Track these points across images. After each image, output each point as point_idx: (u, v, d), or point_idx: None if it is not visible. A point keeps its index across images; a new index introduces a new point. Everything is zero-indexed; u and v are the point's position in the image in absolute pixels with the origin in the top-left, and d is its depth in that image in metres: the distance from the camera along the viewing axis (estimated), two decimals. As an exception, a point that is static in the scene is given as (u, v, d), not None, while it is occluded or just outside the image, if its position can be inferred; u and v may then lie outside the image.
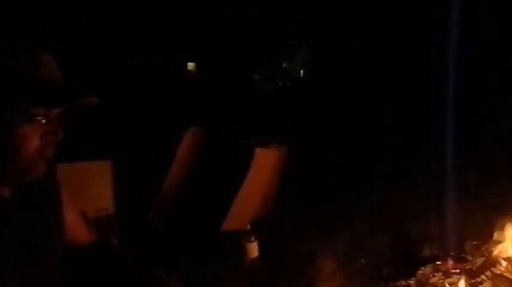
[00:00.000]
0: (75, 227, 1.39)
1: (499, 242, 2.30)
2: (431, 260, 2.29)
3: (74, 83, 1.14)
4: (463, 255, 2.31)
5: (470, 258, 2.29)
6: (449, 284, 2.12)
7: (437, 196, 2.93)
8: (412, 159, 3.91)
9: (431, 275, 2.19)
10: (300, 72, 9.26)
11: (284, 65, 9.29)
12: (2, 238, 1.12)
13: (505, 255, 2.23)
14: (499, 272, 2.15)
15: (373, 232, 2.61)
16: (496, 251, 2.25)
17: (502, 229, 2.34)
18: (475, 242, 2.39)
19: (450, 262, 2.26)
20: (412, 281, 2.15)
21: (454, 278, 2.14)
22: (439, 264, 2.25)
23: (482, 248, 2.32)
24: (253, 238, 2.41)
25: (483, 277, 2.13)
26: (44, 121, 1.10)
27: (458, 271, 2.19)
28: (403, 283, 2.14)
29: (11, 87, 1.06)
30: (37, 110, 1.08)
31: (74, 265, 1.34)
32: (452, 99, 3.67)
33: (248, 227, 2.49)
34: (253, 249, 2.41)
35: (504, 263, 2.19)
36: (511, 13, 4.47)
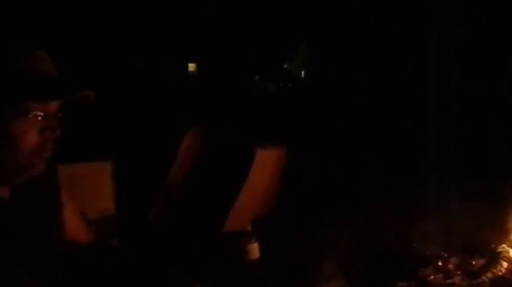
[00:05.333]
0: (76, 228, 1.39)
1: (502, 242, 2.29)
2: (432, 260, 2.28)
3: (69, 78, 1.15)
4: (464, 256, 2.30)
5: (471, 259, 2.29)
6: (450, 285, 2.12)
7: (438, 195, 2.93)
8: (413, 158, 3.91)
9: (432, 276, 2.18)
10: (301, 73, 9.26)
11: (285, 66, 9.29)
12: (1, 239, 1.12)
13: (506, 256, 2.22)
14: (500, 273, 2.14)
15: (373, 232, 2.61)
16: (497, 252, 2.25)
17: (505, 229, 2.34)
18: (476, 243, 2.38)
19: (451, 263, 2.26)
20: (412, 282, 2.14)
21: (455, 279, 2.14)
22: (440, 265, 2.25)
23: (484, 249, 2.31)
24: (254, 239, 2.41)
25: (484, 278, 2.13)
26: (40, 117, 1.09)
27: (459, 272, 2.19)
28: (404, 283, 2.14)
29: (6, 82, 1.06)
30: (33, 105, 1.08)
31: (74, 266, 1.34)
32: (457, 97, 3.66)
33: (249, 228, 2.48)
34: (254, 250, 2.40)
35: (505, 264, 2.18)
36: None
